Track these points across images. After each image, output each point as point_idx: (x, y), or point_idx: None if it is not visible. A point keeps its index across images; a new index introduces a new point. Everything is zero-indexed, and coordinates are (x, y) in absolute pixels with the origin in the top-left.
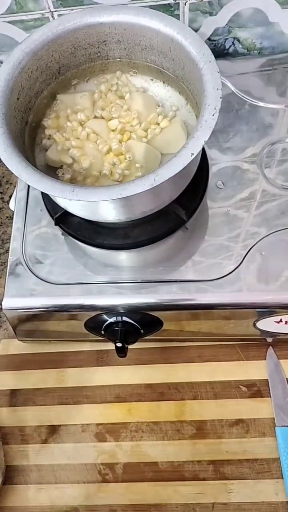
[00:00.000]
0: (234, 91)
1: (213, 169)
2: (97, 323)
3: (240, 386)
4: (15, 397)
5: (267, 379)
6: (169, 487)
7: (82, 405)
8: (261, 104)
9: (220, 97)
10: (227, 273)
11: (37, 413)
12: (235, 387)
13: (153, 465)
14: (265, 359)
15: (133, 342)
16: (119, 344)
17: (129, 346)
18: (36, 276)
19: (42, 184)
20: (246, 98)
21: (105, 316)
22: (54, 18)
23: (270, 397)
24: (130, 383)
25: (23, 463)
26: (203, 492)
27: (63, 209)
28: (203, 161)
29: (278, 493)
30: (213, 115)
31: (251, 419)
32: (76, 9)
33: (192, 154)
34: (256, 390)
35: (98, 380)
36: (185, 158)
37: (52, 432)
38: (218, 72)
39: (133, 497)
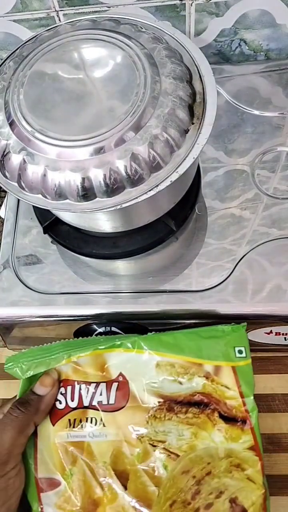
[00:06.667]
0: (228, 99)
1: (205, 179)
2: (86, 333)
3: None
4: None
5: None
6: None
7: None
8: (256, 112)
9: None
10: (216, 284)
11: None
12: None
13: None
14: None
15: None
16: None
17: None
18: (25, 285)
19: None
20: (239, 106)
21: (94, 326)
22: (59, 18)
23: None
24: None
25: None
26: None
27: (52, 216)
28: (196, 172)
29: None
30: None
31: None
32: (82, 8)
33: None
34: None
35: None
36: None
37: None
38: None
39: None
